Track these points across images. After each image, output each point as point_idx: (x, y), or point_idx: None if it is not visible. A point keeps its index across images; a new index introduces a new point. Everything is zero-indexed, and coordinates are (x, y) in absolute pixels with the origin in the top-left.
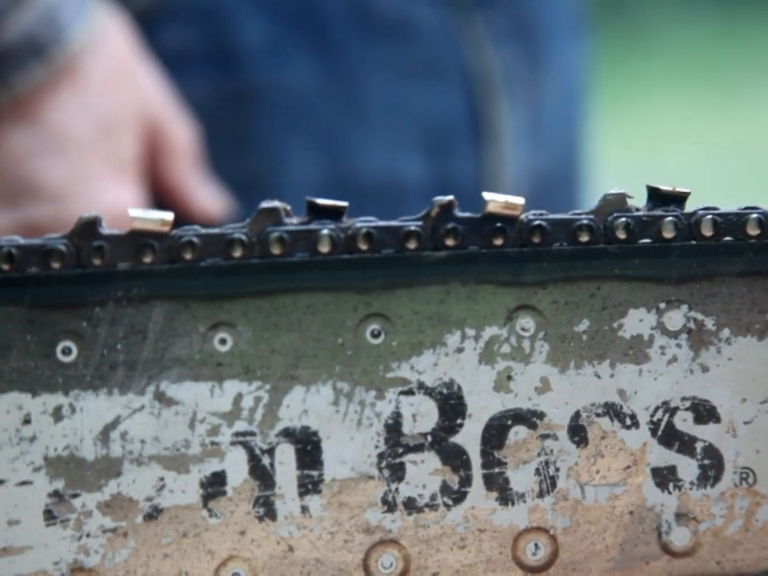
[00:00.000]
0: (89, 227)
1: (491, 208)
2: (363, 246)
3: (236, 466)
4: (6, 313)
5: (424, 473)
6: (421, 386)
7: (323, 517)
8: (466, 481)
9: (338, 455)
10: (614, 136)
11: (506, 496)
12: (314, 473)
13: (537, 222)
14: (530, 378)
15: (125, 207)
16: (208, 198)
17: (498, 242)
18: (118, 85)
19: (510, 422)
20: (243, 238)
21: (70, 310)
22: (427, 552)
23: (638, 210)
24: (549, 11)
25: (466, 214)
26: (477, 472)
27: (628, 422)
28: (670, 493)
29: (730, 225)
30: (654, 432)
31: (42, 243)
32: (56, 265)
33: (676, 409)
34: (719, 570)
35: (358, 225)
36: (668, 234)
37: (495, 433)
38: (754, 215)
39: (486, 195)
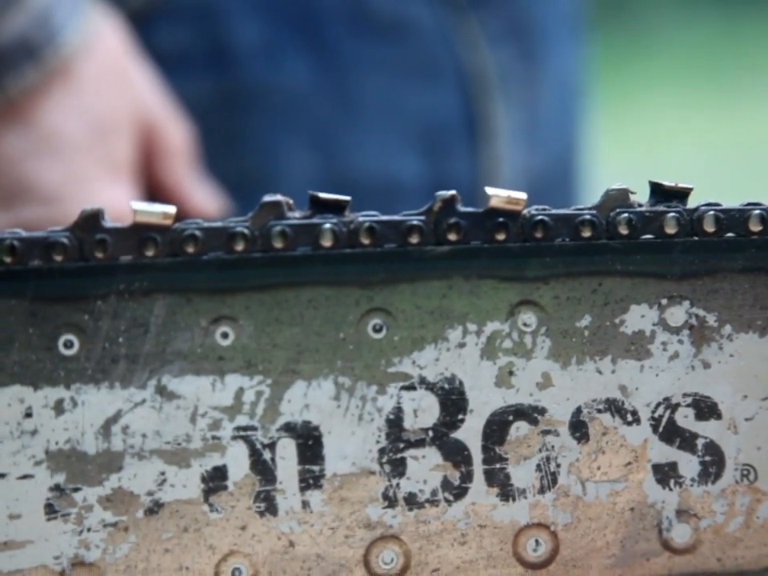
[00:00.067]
0: (91, 220)
1: (494, 203)
2: (365, 241)
3: (237, 460)
4: (9, 305)
5: (425, 468)
6: (422, 381)
7: (324, 512)
8: (467, 476)
9: (339, 450)
10: (613, 136)
11: (506, 492)
12: (315, 468)
13: (539, 217)
14: (531, 374)
15: (119, 208)
16: (204, 198)
17: (501, 236)
18: (112, 86)
19: (511, 418)
20: (245, 231)
21: (72, 303)
22: (428, 548)
23: (640, 205)
24: (545, 11)
25: (469, 209)
26: (478, 468)
27: (629, 418)
28: (670, 489)
29: (733, 221)
30: (655, 428)
31: (45, 236)
32: (58, 258)
33: (677, 405)
34: (720, 566)
35: (361, 219)
36: (670, 229)
37: (496, 428)
38: (757, 211)
39: (489, 190)
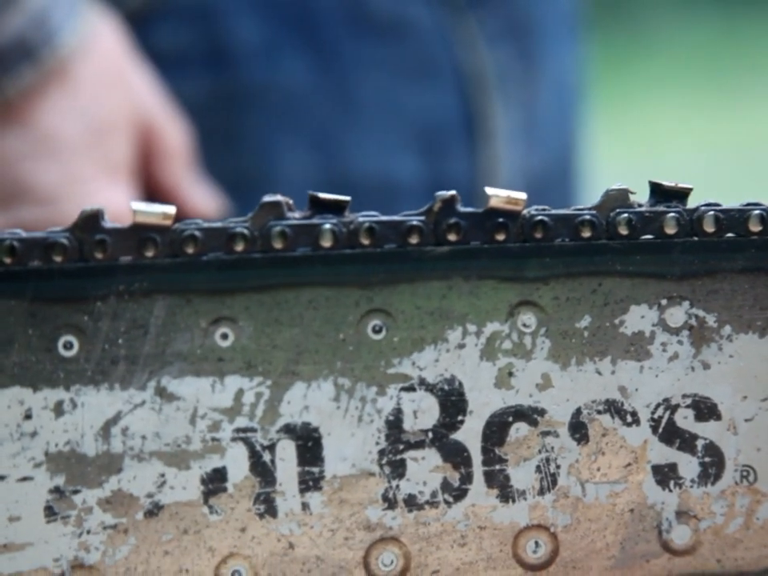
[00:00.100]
0: (91, 221)
1: (494, 203)
2: (365, 241)
3: (237, 462)
4: (8, 306)
5: (425, 470)
6: (422, 382)
7: (324, 514)
8: (467, 478)
9: (338, 452)
10: (613, 136)
11: (506, 493)
12: (315, 469)
13: (539, 218)
14: (531, 375)
15: (117, 209)
16: (202, 198)
17: (500, 237)
18: (109, 87)
19: (510, 419)
20: (245, 232)
21: (71, 304)
22: (428, 549)
23: (640, 205)
24: (543, 11)
25: (469, 209)
26: (477, 469)
27: (629, 419)
28: (670, 490)
29: (732, 221)
30: (654, 429)
31: (45, 236)
32: (58, 258)
33: (677, 406)
34: (719, 568)
35: (360, 219)
36: (670, 230)
37: (496, 430)
38: (756, 212)
39: (489, 190)
